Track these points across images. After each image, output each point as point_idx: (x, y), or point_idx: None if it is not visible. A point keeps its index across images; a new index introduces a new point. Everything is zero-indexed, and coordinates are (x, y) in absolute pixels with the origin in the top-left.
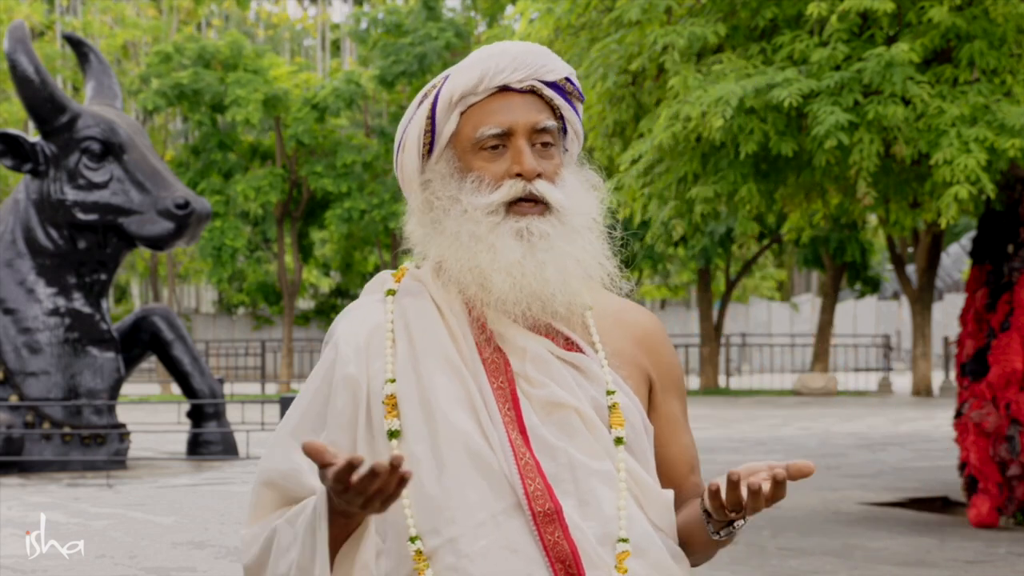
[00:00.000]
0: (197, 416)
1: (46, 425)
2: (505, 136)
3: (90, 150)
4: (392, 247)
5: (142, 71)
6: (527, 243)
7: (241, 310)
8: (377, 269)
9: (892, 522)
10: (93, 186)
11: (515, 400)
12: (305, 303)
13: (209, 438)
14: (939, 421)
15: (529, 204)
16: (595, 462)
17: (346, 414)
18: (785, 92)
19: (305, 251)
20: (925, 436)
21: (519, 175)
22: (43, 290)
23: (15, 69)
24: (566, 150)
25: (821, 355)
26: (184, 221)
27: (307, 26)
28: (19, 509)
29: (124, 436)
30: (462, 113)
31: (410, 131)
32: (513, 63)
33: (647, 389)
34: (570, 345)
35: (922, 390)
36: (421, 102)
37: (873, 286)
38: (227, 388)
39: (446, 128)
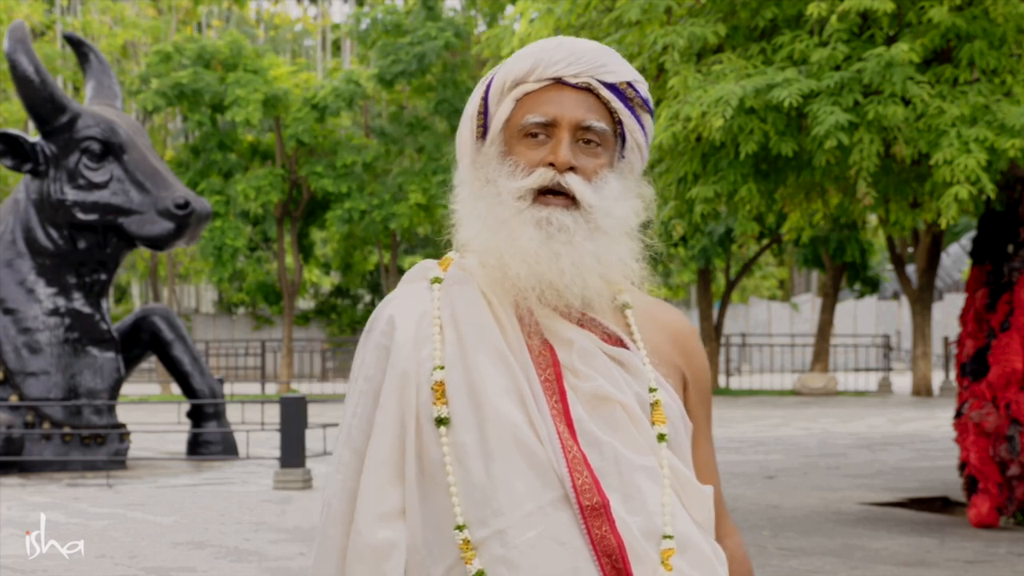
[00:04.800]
0: (197, 416)
1: (46, 425)
2: (549, 126)
3: (90, 150)
4: (392, 247)
5: (142, 71)
6: (545, 233)
7: (241, 310)
8: (377, 269)
9: (892, 522)
10: (93, 186)
11: (562, 392)
12: (305, 303)
13: (209, 438)
14: (939, 421)
15: (556, 196)
16: (639, 457)
17: (395, 401)
18: (785, 92)
19: (305, 251)
20: (925, 436)
21: (551, 164)
22: (43, 290)
23: (15, 69)
24: (622, 157)
25: (821, 355)
26: (184, 221)
27: (309, 27)
28: (19, 509)
29: (124, 436)
30: (517, 100)
31: (467, 110)
32: (568, 57)
33: (683, 389)
34: (613, 340)
35: (922, 390)
36: (483, 83)
37: (873, 286)
38: (227, 388)
39: (499, 112)
